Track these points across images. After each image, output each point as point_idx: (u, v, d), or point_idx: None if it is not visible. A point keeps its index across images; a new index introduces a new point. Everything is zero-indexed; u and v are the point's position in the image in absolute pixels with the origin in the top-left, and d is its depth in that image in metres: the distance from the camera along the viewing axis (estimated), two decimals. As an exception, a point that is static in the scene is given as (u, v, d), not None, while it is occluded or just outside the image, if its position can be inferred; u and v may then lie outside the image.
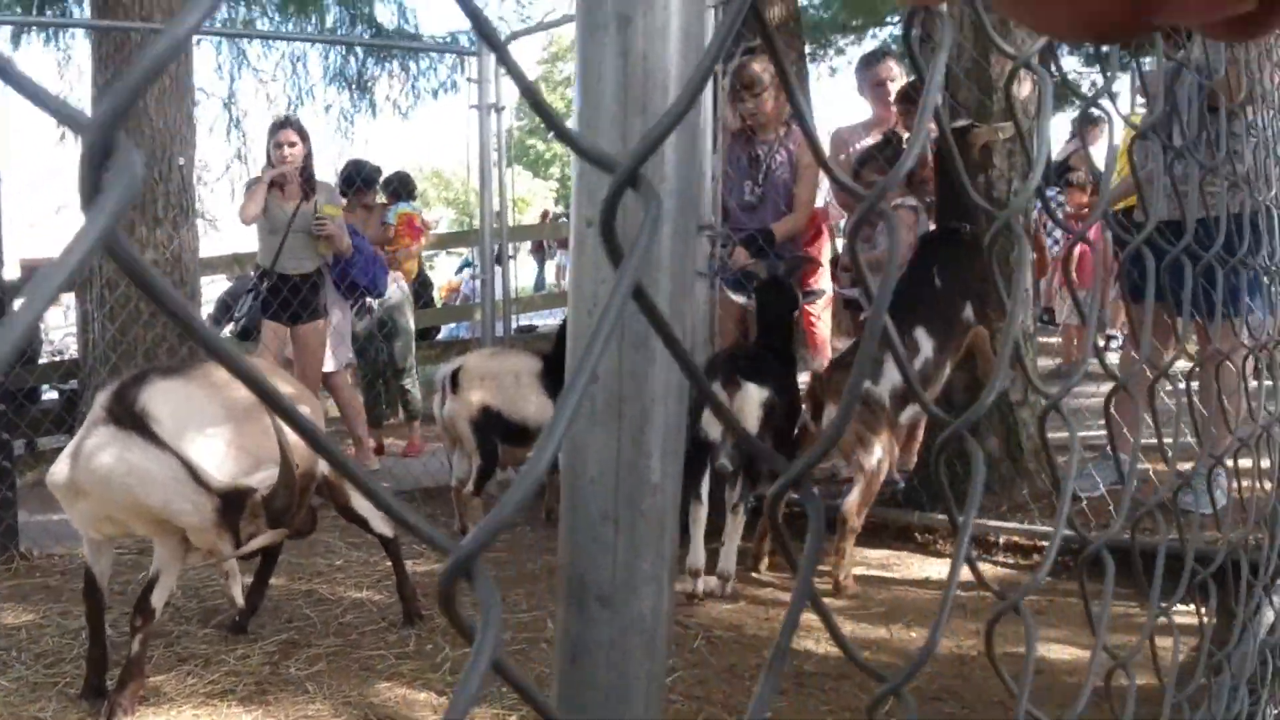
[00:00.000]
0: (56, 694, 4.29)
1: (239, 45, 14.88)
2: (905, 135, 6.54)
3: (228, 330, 8.99)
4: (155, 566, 4.18)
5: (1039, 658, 4.41)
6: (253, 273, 8.80)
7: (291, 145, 8.12)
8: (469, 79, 8.36)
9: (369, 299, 9.04)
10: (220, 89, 15.25)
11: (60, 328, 16.14)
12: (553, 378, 6.36)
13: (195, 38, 10.48)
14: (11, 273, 8.61)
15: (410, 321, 9.66)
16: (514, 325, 9.55)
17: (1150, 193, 1.88)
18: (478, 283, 9.24)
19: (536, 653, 4.59)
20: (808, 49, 13.21)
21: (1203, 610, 2.11)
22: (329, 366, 8.57)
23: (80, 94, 13.65)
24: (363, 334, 9.43)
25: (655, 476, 1.25)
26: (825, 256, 7.01)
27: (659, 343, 0.71)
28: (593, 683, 1.26)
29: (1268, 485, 2.53)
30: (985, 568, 5.72)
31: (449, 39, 13.12)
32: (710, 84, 6.37)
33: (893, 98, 7.16)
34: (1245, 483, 2.38)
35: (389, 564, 5.27)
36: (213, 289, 11.51)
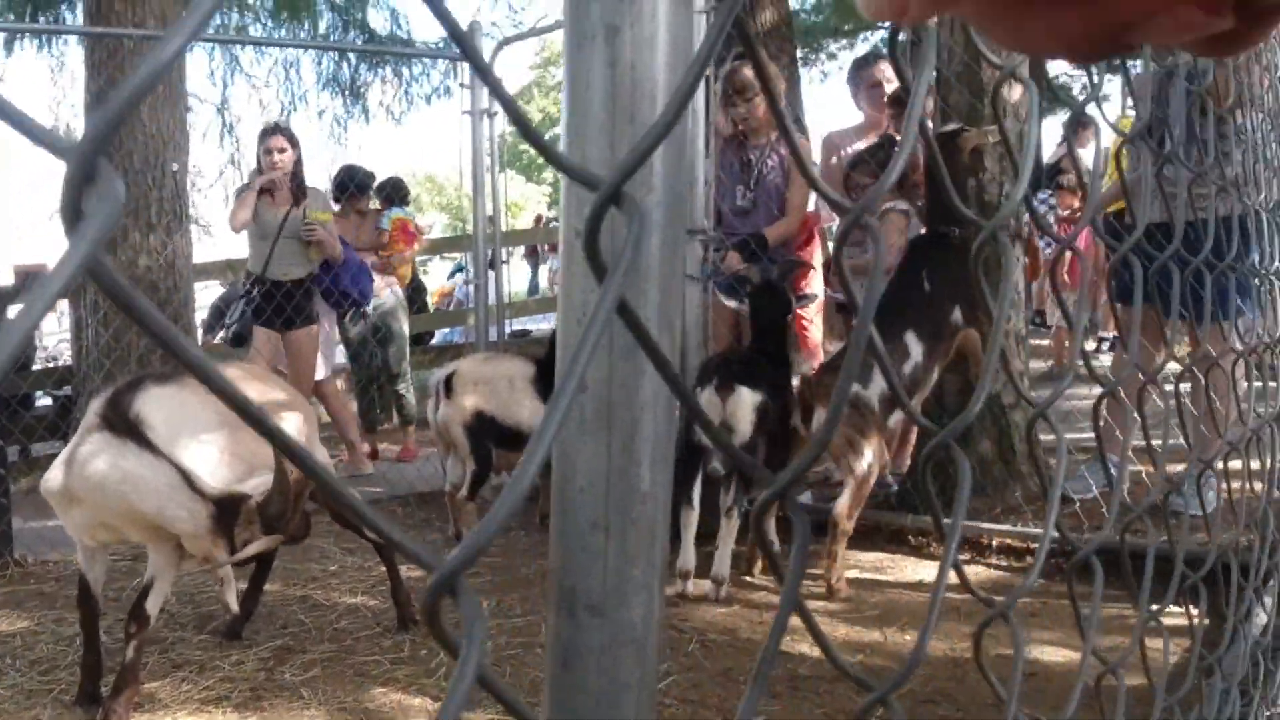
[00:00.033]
0: (51, 701, 4.29)
1: (232, 51, 14.90)
2: (898, 139, 6.56)
3: (220, 337, 9.01)
4: (150, 573, 4.18)
5: (1033, 660, 4.42)
6: (244, 279, 8.81)
7: (281, 151, 8.14)
8: (462, 84, 8.38)
9: (359, 307, 9.06)
10: (213, 95, 15.27)
11: (54, 334, 16.15)
12: (546, 382, 6.36)
13: (188, 44, 10.48)
14: (5, 278, 8.63)
15: (405, 326, 9.66)
16: (508, 330, 9.54)
17: (1144, 197, 1.89)
18: (471, 287, 9.25)
19: (531, 658, 4.59)
20: (800, 53, 13.22)
21: (1193, 613, 2.11)
22: (318, 374, 8.58)
23: (74, 100, 13.69)
24: (357, 339, 9.44)
25: (645, 485, 1.26)
26: (817, 260, 7.01)
27: (647, 353, 0.72)
28: (584, 689, 1.26)
29: (1258, 487, 2.54)
30: (978, 570, 5.73)
31: (442, 45, 13.11)
32: (702, 89, 6.38)
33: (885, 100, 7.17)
34: (1235, 485, 2.38)
35: (383, 569, 5.27)
36: (206, 294, 11.53)
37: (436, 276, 20.58)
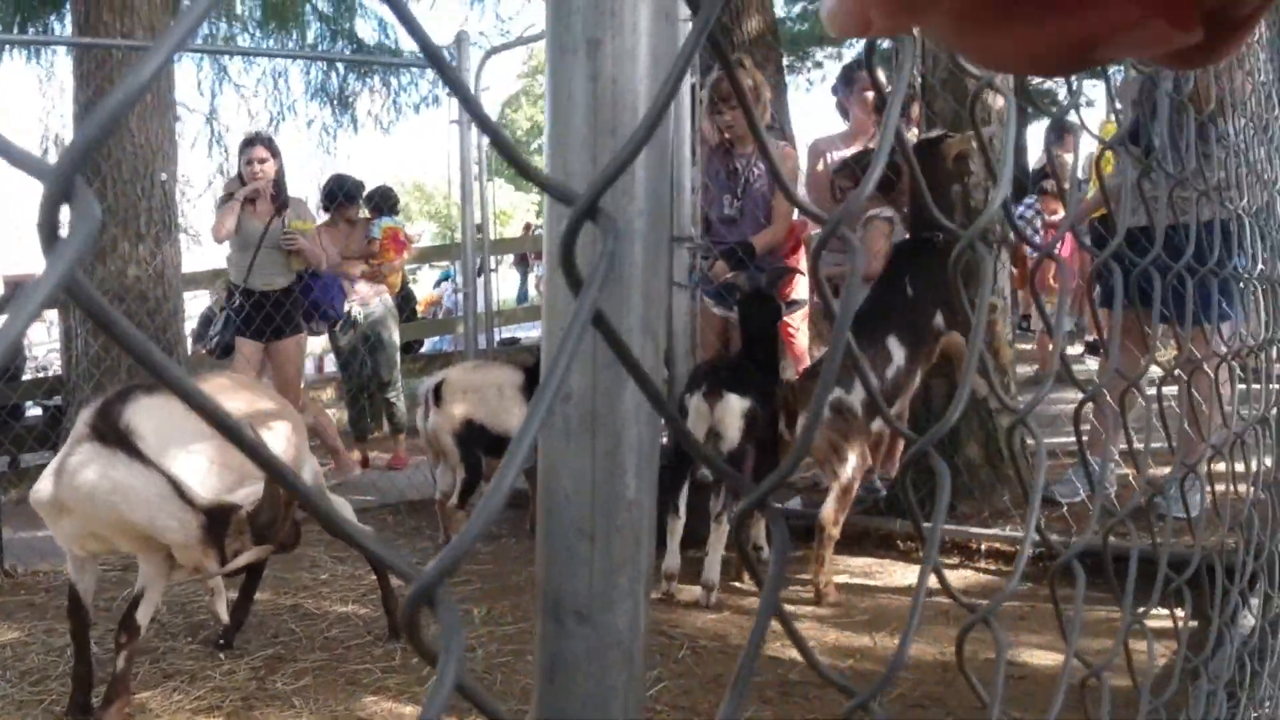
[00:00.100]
0: (42, 712, 4.29)
1: (220, 61, 14.89)
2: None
3: (204, 349, 9.02)
4: (140, 583, 4.18)
5: (1021, 663, 4.43)
6: (225, 290, 8.84)
7: (262, 161, 8.18)
8: (449, 93, 8.38)
9: (328, 321, 9.09)
10: (202, 104, 15.26)
11: (44, 344, 16.11)
12: (535, 390, 6.38)
13: (175, 54, 10.49)
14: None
15: (395, 335, 9.67)
16: (497, 338, 9.55)
17: (1124, 202, 1.90)
18: (460, 296, 9.26)
19: (522, 665, 4.59)
20: (785, 61, 13.23)
21: (1178, 615, 2.12)
22: None
23: (63, 110, 13.66)
24: (347, 348, 9.45)
25: (630, 492, 1.26)
26: (804, 267, 7.03)
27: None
28: (572, 695, 1.27)
29: (1242, 489, 2.55)
30: (966, 574, 5.74)
31: (430, 53, 13.13)
32: (689, 97, 6.39)
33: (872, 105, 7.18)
34: (1220, 488, 2.39)
35: (374, 578, 5.28)
36: (196, 304, 11.53)
37: (426, 285, 20.59)
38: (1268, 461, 2.87)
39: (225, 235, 8.22)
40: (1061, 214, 9.83)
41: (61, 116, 14.33)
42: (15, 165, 0.39)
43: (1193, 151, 2.03)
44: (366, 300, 9.37)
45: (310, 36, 14.81)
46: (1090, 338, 12.09)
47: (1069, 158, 7.04)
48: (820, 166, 7.09)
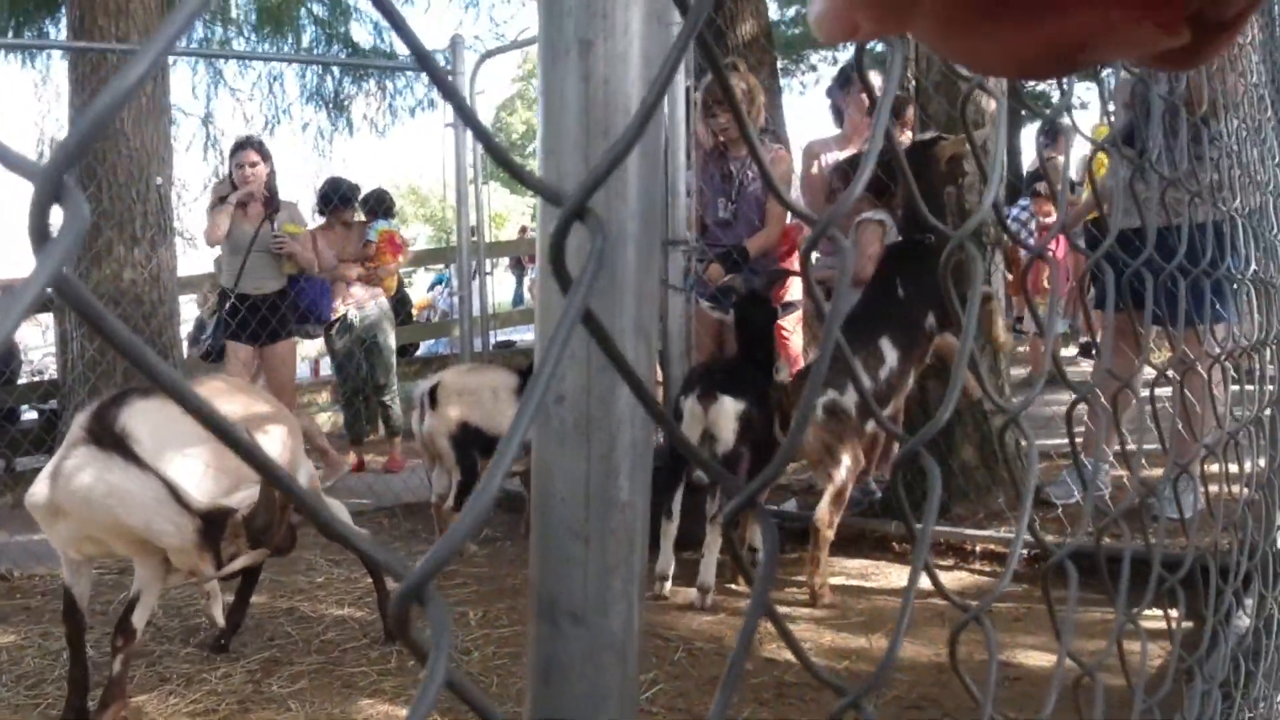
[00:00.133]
0: (38, 715, 4.29)
1: (215, 65, 14.91)
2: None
3: (194, 353, 9.03)
4: (136, 586, 4.18)
5: (1017, 664, 4.43)
6: (209, 294, 8.86)
7: (253, 165, 8.18)
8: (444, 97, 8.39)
9: (317, 324, 9.11)
10: (197, 108, 15.28)
11: (39, 348, 16.12)
12: (530, 392, 6.38)
13: (171, 58, 10.49)
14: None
15: (390, 338, 9.67)
16: (492, 341, 9.55)
17: (1112, 204, 1.90)
18: (455, 299, 9.27)
19: (519, 668, 4.59)
20: (780, 64, 13.25)
21: (1172, 615, 2.13)
22: None
23: (59, 114, 13.68)
24: (343, 351, 9.45)
25: (624, 494, 1.27)
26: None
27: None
28: (566, 696, 1.27)
29: (1236, 489, 2.56)
30: (962, 576, 5.75)
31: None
32: (683, 101, 6.40)
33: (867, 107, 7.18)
34: (1214, 489, 2.40)
35: (370, 581, 5.28)
36: (192, 308, 11.53)
37: (419, 289, 20.62)
38: (1261, 462, 2.88)
39: (218, 239, 8.24)
40: (1055, 216, 9.85)
41: (57, 120, 14.36)
42: (6, 166, 0.40)
43: (1184, 153, 2.04)
44: (362, 303, 9.38)
45: (305, 40, 14.84)
46: (1085, 340, 12.12)
47: (1063, 158, 7.05)
48: (815, 169, 7.09)
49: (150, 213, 8.69)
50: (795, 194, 7.05)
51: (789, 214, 6.77)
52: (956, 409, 6.23)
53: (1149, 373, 2.10)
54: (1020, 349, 10.82)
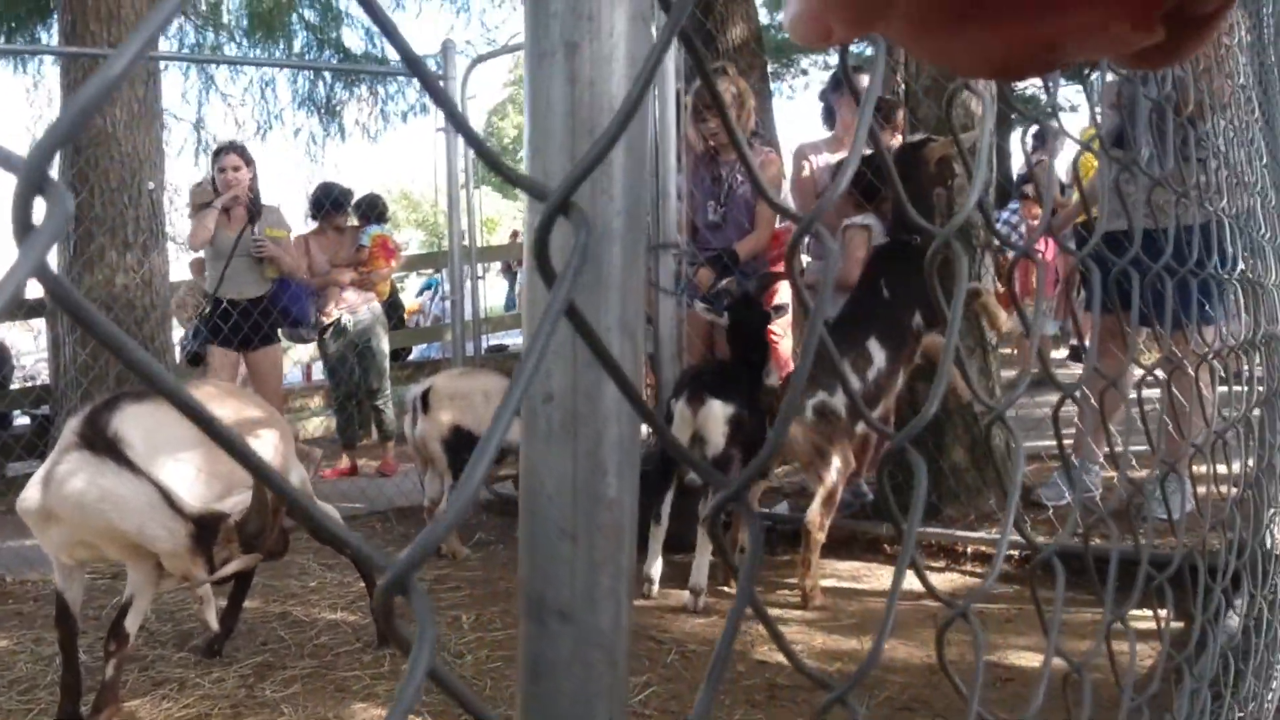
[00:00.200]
0: (31, 721, 4.30)
1: (207, 70, 14.91)
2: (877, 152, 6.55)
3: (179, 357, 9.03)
4: (129, 591, 4.18)
5: (1009, 665, 4.44)
6: (188, 298, 8.86)
7: (236, 169, 8.18)
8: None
9: (298, 327, 9.11)
10: (189, 113, 15.30)
11: (32, 353, 16.12)
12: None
13: (162, 63, 10.48)
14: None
15: (384, 343, 9.68)
16: (484, 345, 9.56)
17: (1101, 205, 1.91)
18: (447, 303, 9.28)
19: (512, 670, 4.57)
20: (770, 68, 13.26)
21: (1160, 615, 2.13)
22: None
23: (50, 119, 13.69)
24: (335, 356, 9.46)
25: (611, 491, 1.27)
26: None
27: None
28: (555, 695, 1.27)
29: (1224, 489, 2.56)
30: (953, 577, 5.75)
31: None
32: (673, 104, 6.41)
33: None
34: (1202, 489, 2.41)
35: (363, 585, 5.27)
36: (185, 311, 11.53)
37: (411, 294, 20.62)
38: (1250, 462, 2.88)
39: (201, 243, 8.24)
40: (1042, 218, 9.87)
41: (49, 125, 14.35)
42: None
43: (1171, 154, 2.04)
44: (355, 308, 9.38)
45: (297, 46, 14.85)
46: (1074, 343, 12.14)
47: (1049, 162, 7.06)
48: (805, 171, 7.10)
49: (142, 218, 8.70)
50: (785, 196, 7.06)
51: (779, 218, 6.78)
52: (946, 410, 6.24)
53: (1138, 373, 2.10)
54: (1008, 351, 10.83)
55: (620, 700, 1.30)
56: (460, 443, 6.37)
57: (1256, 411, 2.96)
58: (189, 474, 4.13)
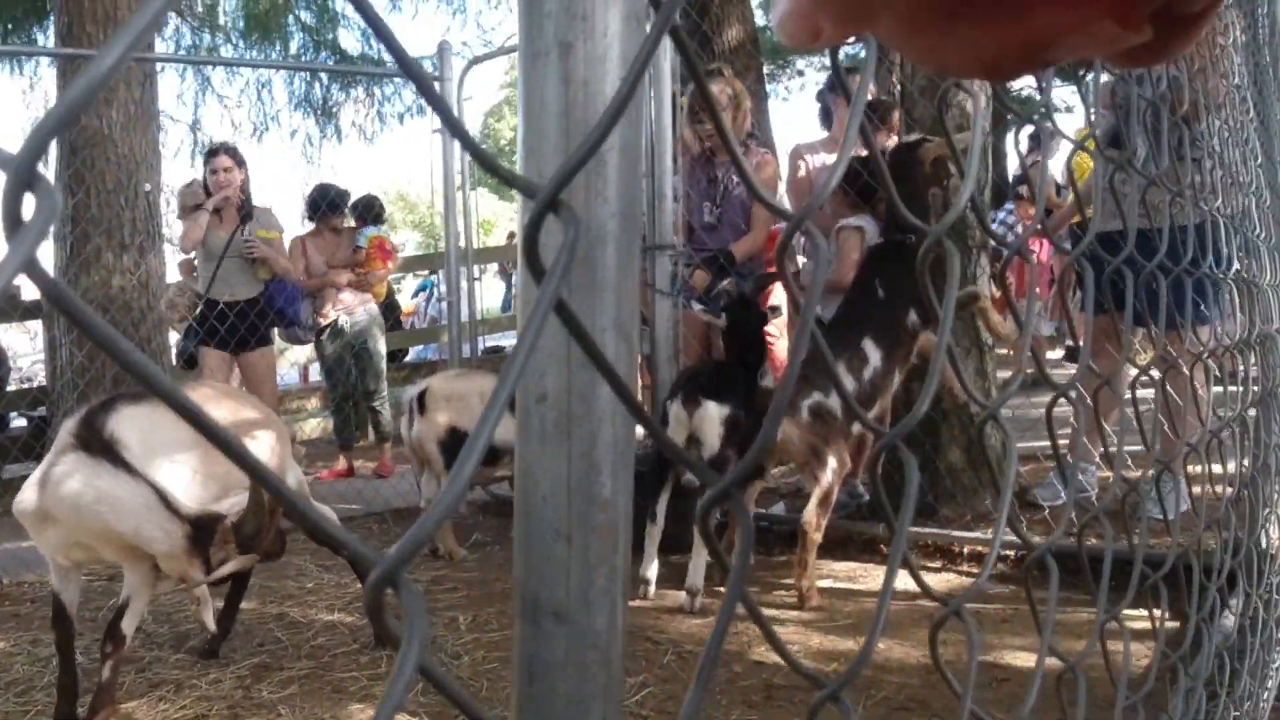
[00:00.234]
0: (27, 722, 4.29)
1: (203, 72, 14.90)
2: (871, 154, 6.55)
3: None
4: (126, 593, 4.18)
5: (1005, 665, 4.44)
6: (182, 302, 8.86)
7: (227, 171, 8.18)
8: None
9: (289, 327, 9.11)
10: (185, 115, 15.28)
11: (29, 355, 16.11)
12: (517, 397, 6.39)
13: (159, 65, 10.49)
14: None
15: (381, 344, 9.68)
16: (481, 346, 9.57)
17: (1095, 205, 1.91)
18: (443, 305, 9.28)
19: (509, 671, 4.59)
20: (766, 69, 13.26)
21: (1155, 614, 2.13)
22: None
23: (46, 120, 13.71)
24: (333, 357, 9.46)
25: (606, 492, 1.27)
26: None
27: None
28: (550, 695, 1.27)
29: (1220, 488, 2.57)
30: (950, 577, 5.76)
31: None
32: (669, 106, 6.42)
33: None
34: (1197, 489, 2.41)
35: (360, 586, 5.27)
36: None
37: (407, 295, 20.62)
38: (1246, 462, 2.89)
39: (193, 245, 8.25)
40: (1044, 220, 9.87)
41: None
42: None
43: (1165, 154, 2.05)
44: (352, 309, 9.39)
45: (293, 47, 14.84)
46: (1071, 343, 12.15)
47: (1049, 161, 7.07)
48: (801, 172, 7.10)
49: (139, 219, 8.70)
50: (781, 197, 7.07)
51: (775, 219, 6.79)
52: (943, 411, 6.25)
53: (1132, 373, 2.11)
54: (1004, 352, 10.83)
55: (615, 701, 1.30)
56: (456, 444, 6.37)
57: (1252, 411, 2.97)
58: (185, 475, 4.13)
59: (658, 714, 4.20)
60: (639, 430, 4.95)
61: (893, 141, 6.42)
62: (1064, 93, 21.04)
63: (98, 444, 3.92)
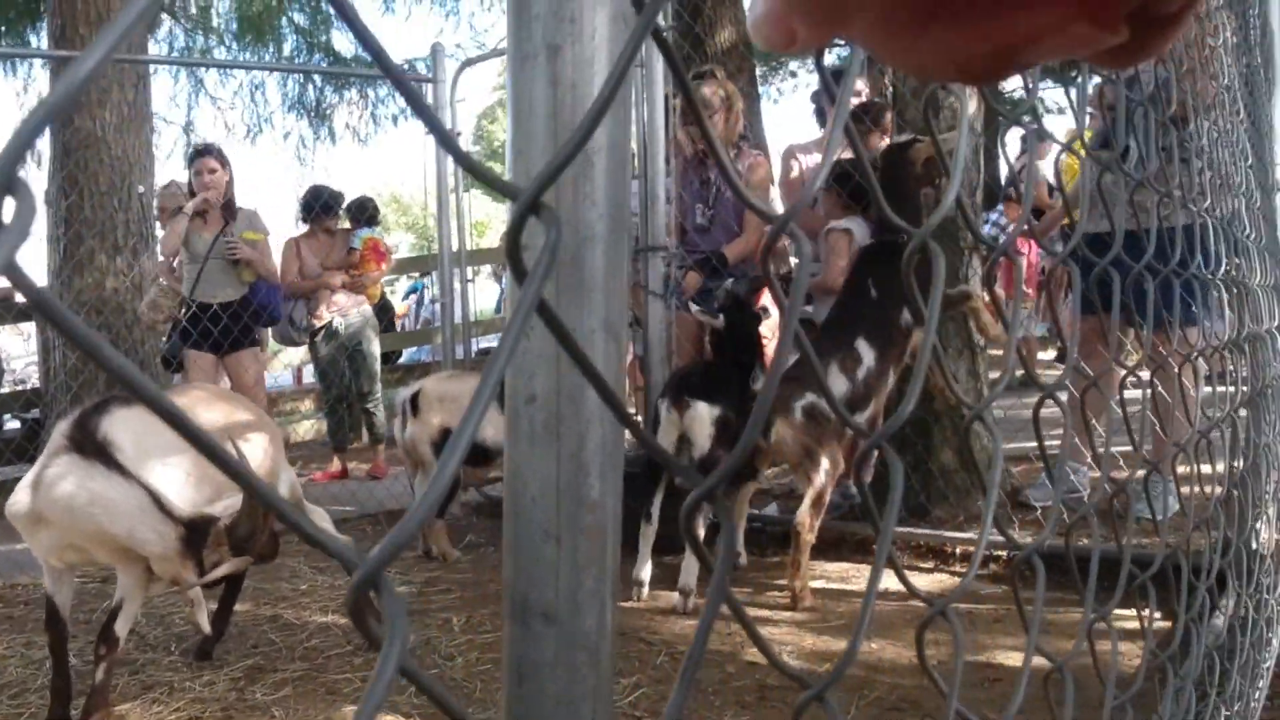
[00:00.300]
0: (21, 725, 4.29)
1: (196, 74, 14.89)
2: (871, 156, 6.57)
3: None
4: (119, 595, 4.17)
5: (997, 665, 4.44)
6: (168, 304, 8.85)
7: (212, 172, 8.15)
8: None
9: (276, 321, 9.10)
10: (178, 116, 15.30)
11: (21, 357, 16.10)
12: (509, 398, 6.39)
13: (152, 67, 10.48)
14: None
15: (375, 346, 9.68)
16: (474, 348, 9.56)
17: (1082, 206, 1.92)
18: (437, 306, 9.28)
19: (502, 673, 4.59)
20: (759, 71, 13.27)
21: (1144, 614, 2.14)
22: None
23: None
24: (326, 359, 9.45)
25: (595, 493, 1.28)
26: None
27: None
28: (540, 696, 1.28)
29: (1209, 488, 2.57)
30: (942, 578, 5.76)
31: (406, 67, 13.16)
32: (662, 108, 6.42)
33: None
34: (1185, 490, 2.41)
35: (354, 588, 5.27)
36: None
37: (399, 297, 20.63)
38: (1235, 461, 2.89)
39: (173, 250, 8.20)
40: (1033, 221, 9.88)
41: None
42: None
43: (1154, 155, 2.05)
44: (346, 311, 9.38)
45: (287, 49, 14.85)
46: (1062, 344, 12.16)
47: (1039, 163, 7.08)
48: (794, 172, 7.11)
49: (132, 221, 8.71)
50: (774, 198, 7.08)
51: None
52: (935, 412, 6.25)
53: (1122, 374, 2.11)
54: (997, 353, 10.84)
55: (605, 702, 1.30)
56: (450, 445, 6.37)
57: (1242, 411, 2.98)
58: (179, 477, 4.13)
59: (651, 715, 4.20)
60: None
61: (885, 143, 6.43)
62: (1056, 94, 21.05)
63: (91, 446, 3.92)
